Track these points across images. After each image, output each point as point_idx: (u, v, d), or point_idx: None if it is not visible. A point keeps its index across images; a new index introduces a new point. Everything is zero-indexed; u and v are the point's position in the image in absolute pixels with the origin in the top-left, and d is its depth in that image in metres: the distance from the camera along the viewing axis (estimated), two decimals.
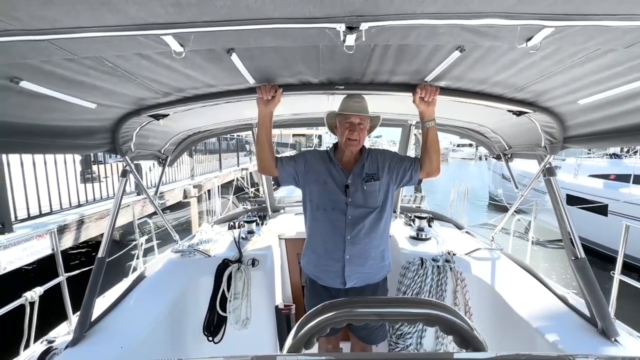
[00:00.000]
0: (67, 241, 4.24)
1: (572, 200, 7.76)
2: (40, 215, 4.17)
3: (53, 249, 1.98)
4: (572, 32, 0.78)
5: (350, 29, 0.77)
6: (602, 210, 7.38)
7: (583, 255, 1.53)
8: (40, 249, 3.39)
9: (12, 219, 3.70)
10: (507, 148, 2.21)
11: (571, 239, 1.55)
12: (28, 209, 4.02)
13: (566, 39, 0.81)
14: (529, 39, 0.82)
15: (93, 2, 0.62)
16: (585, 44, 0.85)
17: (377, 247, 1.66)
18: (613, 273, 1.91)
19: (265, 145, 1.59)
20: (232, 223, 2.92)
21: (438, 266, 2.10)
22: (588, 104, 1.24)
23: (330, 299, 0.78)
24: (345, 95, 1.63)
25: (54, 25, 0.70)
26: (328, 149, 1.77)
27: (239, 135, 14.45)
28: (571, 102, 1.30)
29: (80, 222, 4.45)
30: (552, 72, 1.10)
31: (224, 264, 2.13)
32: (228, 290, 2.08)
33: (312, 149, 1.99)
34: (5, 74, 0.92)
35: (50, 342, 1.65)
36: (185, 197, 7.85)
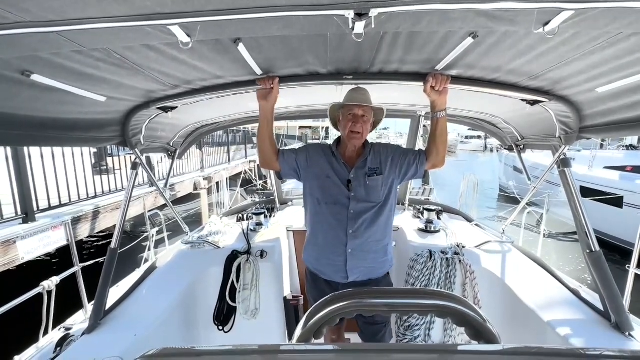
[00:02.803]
0: (83, 232, 4.38)
1: (586, 192, 7.57)
2: (60, 205, 4.30)
3: (68, 240, 2.04)
4: (592, 15, 0.74)
5: (360, 15, 0.75)
6: (617, 202, 7.19)
7: (598, 248, 1.49)
8: (55, 239, 3.51)
9: (35, 208, 3.84)
10: (519, 139, 2.16)
11: (586, 231, 1.51)
12: (49, 199, 4.15)
13: (586, 22, 0.77)
14: (547, 24, 0.78)
15: None
16: (606, 27, 0.80)
17: (380, 241, 1.64)
18: (628, 267, 1.87)
19: (266, 139, 1.59)
20: (240, 215, 2.95)
21: (447, 259, 2.08)
22: (607, 92, 1.18)
23: (331, 292, 0.78)
24: (349, 89, 1.61)
25: (62, 16, 0.70)
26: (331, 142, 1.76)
27: (245, 128, 14.49)
28: (589, 90, 1.25)
29: (96, 213, 4.58)
30: (569, 58, 1.05)
31: (233, 256, 2.16)
32: (237, 281, 2.11)
33: (315, 142, 2.00)
34: (17, 68, 0.93)
35: (67, 329, 1.72)
36: (195, 189, 7.96)
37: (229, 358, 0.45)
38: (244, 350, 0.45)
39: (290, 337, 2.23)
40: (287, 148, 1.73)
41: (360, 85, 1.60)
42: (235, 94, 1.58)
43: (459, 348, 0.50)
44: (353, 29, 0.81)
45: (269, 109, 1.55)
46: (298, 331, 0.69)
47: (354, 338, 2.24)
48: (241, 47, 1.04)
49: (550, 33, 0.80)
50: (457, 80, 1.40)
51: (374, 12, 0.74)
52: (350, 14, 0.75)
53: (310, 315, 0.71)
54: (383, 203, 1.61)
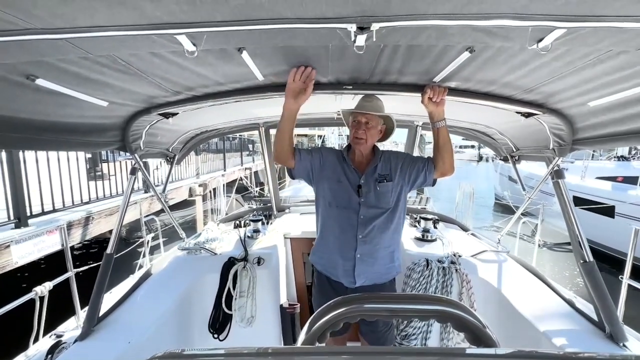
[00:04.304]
0: (75, 238, 4.32)
1: (579, 202, 7.68)
2: (54, 210, 4.26)
3: (63, 245, 2.01)
4: (583, 34, 0.77)
5: (361, 29, 0.78)
6: (609, 212, 7.29)
7: (591, 258, 1.52)
8: (50, 244, 3.46)
9: (27, 214, 3.80)
10: (514, 150, 2.20)
11: (579, 242, 1.53)
12: (42, 204, 4.12)
13: (578, 40, 0.81)
14: (540, 40, 0.81)
15: (110, 0, 0.63)
16: (596, 45, 0.84)
17: (387, 247, 1.66)
18: (621, 277, 1.89)
19: (286, 136, 1.55)
20: (237, 222, 2.94)
21: (443, 267, 2.09)
22: (598, 105, 1.22)
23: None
24: (361, 97, 1.64)
25: (72, 24, 0.71)
26: (342, 148, 1.78)
27: (241, 135, 14.54)
28: (581, 104, 1.29)
29: (90, 219, 4.53)
30: (562, 73, 1.09)
31: (230, 262, 2.15)
32: (234, 288, 2.10)
33: (329, 146, 2.01)
34: (23, 72, 0.94)
35: (58, 336, 1.68)
36: (190, 195, 7.93)
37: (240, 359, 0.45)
38: (255, 352, 0.45)
39: (287, 344, 2.21)
40: (303, 148, 1.72)
41: (358, 94, 1.62)
42: (237, 101, 1.59)
43: (459, 352, 0.51)
44: (355, 41, 0.83)
45: (295, 109, 1.49)
46: (302, 335, 0.69)
47: None
48: (245, 56, 1.06)
49: (544, 49, 0.83)
50: (454, 92, 1.43)
51: (375, 26, 0.77)
52: (352, 27, 0.77)
53: (313, 320, 0.71)
54: (393, 209, 1.63)
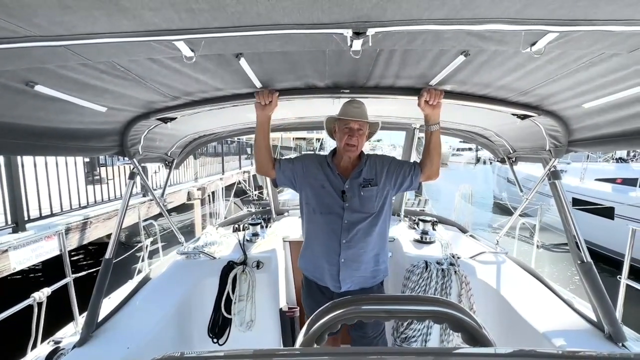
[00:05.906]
0: (72, 242, 4.30)
1: (578, 203, 7.71)
2: (51, 215, 4.25)
3: (61, 250, 2.01)
4: (576, 37, 0.79)
5: (357, 34, 0.79)
6: (608, 213, 7.32)
7: (589, 259, 1.52)
8: (48, 249, 3.44)
9: (25, 218, 3.79)
10: (511, 152, 2.21)
11: (577, 242, 1.54)
12: (40, 209, 4.10)
13: (570, 43, 0.82)
14: (533, 44, 0.83)
15: (110, 8, 0.64)
16: (589, 48, 0.86)
17: (372, 250, 1.65)
18: (619, 277, 1.90)
19: (262, 148, 1.63)
20: (236, 225, 2.94)
21: (442, 269, 2.09)
22: (593, 107, 1.24)
23: (326, 301, 0.79)
24: (345, 101, 1.64)
25: (71, 31, 0.72)
26: (327, 153, 1.78)
27: (239, 139, 14.56)
28: (576, 105, 1.30)
29: (88, 223, 4.51)
30: (556, 75, 1.11)
31: (229, 266, 2.15)
32: (233, 292, 2.09)
33: (312, 152, 2.02)
34: (22, 78, 0.95)
35: (57, 342, 1.67)
36: (189, 199, 7.90)
37: None
38: (252, 354, 0.46)
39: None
40: (284, 157, 1.75)
41: (355, 97, 1.63)
42: (234, 105, 1.60)
43: (455, 351, 0.52)
44: (351, 46, 0.84)
45: (265, 119, 1.58)
46: (300, 338, 0.70)
47: None
48: (242, 61, 1.07)
49: (537, 52, 0.85)
50: (450, 95, 1.45)
51: (371, 32, 0.78)
52: (348, 32, 0.79)
53: (312, 321, 0.72)
54: (377, 213, 1.63)
